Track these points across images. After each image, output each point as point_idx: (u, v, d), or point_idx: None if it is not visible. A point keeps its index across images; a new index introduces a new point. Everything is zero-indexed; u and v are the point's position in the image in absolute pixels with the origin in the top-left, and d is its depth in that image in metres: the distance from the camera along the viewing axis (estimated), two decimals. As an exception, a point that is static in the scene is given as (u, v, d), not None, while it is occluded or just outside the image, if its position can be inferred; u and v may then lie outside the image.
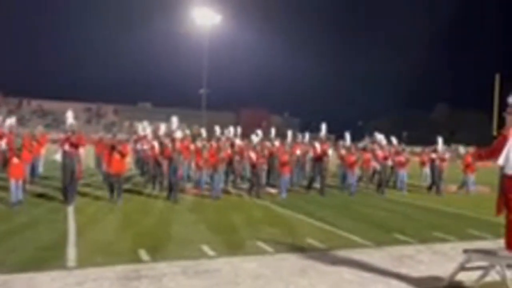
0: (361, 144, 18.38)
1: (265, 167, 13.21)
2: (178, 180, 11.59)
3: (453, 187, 15.98)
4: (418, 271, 6.00)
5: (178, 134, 12.10)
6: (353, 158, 14.36)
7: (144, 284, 5.15)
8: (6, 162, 11.34)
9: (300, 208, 11.00)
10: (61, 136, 11.32)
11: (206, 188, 13.27)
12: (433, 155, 15.51)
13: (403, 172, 15.31)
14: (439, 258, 6.70)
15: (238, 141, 15.93)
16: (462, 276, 5.38)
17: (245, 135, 18.74)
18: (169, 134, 12.88)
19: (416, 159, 19.18)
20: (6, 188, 10.51)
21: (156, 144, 13.31)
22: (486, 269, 5.29)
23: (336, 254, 6.72)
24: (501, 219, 5.22)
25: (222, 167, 12.60)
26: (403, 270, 5.99)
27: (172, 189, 11.32)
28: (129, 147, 12.60)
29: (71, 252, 6.37)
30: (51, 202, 10.56)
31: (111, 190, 10.70)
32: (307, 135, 19.02)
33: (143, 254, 6.38)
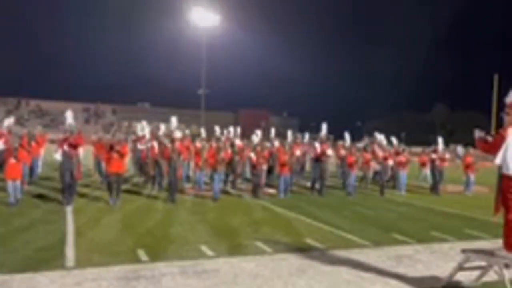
0: (361, 144, 18.37)
1: (265, 167, 13.20)
2: (177, 180, 11.59)
3: (451, 187, 15.99)
4: (417, 271, 6.01)
5: (178, 134, 12.09)
6: (353, 159, 14.35)
7: (142, 284, 5.16)
8: (3, 163, 11.32)
9: (299, 208, 11.01)
10: (60, 136, 11.30)
11: (205, 189, 13.27)
12: (433, 156, 15.49)
13: (403, 173, 15.30)
14: (437, 258, 6.72)
15: (238, 141, 15.93)
16: (460, 276, 5.40)
17: (244, 136, 18.76)
18: (169, 134, 12.86)
19: (416, 159, 19.14)
20: (4, 189, 10.49)
21: (155, 144, 13.31)
22: (484, 269, 5.31)
23: (334, 254, 6.73)
24: (500, 219, 5.24)
25: (222, 168, 12.59)
26: (402, 270, 6.00)
27: (171, 190, 11.32)
28: (128, 147, 12.56)
29: (70, 253, 6.37)
30: (50, 203, 10.54)
31: (110, 191, 10.69)
32: (307, 135, 19.04)
33: (142, 254, 6.39)
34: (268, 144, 15.03)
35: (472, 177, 15.52)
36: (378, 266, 6.13)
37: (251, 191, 12.96)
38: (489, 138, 5.36)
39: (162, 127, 14.91)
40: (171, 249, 6.77)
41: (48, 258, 6.04)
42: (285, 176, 13.14)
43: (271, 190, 13.80)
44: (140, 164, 15.53)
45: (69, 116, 10.73)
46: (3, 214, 9.06)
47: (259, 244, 7.18)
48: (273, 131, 17.23)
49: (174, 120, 13.46)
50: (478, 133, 5.47)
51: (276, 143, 15.50)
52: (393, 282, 5.50)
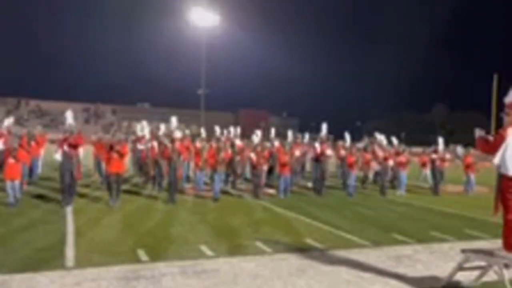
0: (361, 145, 18.35)
1: (265, 167, 13.19)
2: (177, 180, 11.58)
3: (451, 187, 15.99)
4: (416, 271, 6.02)
5: (178, 135, 12.08)
6: (353, 159, 14.33)
7: (142, 284, 5.16)
8: (3, 163, 11.33)
9: (299, 208, 11.01)
10: (60, 136, 11.30)
11: (205, 189, 13.27)
12: (434, 156, 15.46)
13: (403, 173, 15.29)
14: (437, 258, 6.72)
15: (238, 142, 15.93)
16: (460, 276, 5.41)
17: (244, 136, 18.75)
18: (169, 134, 12.86)
19: (416, 159, 19.09)
20: (4, 189, 10.49)
21: (155, 144, 13.30)
22: (484, 269, 5.31)
23: (334, 254, 6.73)
24: (499, 219, 5.24)
25: (222, 168, 12.58)
26: (401, 270, 6.00)
27: (171, 190, 11.31)
28: (128, 147, 12.55)
29: (70, 253, 6.37)
30: (50, 203, 10.55)
31: (110, 191, 10.67)
32: (307, 136, 19.03)
33: (141, 254, 6.39)
34: (268, 144, 15.03)
35: (473, 177, 15.48)
36: (377, 266, 6.14)
37: (252, 191, 12.96)
38: (490, 138, 5.37)
39: (162, 127, 14.91)
40: (171, 249, 6.77)
41: (48, 258, 6.04)
42: (285, 176, 13.14)
43: (271, 190, 13.80)
44: (140, 164, 15.54)
45: (69, 116, 10.71)
46: (3, 214, 9.06)
47: (259, 244, 7.19)
48: (273, 131, 17.23)
49: (174, 120, 13.46)
50: (478, 132, 5.47)
51: (276, 143, 15.50)
52: (393, 282, 5.51)
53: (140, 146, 15.16)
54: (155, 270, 5.65)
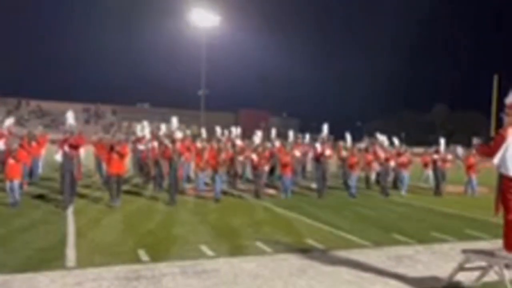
0: (362, 145, 18.31)
1: (266, 168, 13.19)
2: (178, 181, 11.58)
3: (451, 188, 15.96)
4: (417, 271, 6.02)
5: (178, 135, 12.08)
6: (354, 160, 14.30)
7: (143, 284, 5.17)
8: (4, 163, 11.33)
9: (300, 208, 11.01)
10: (60, 137, 11.30)
11: (205, 189, 13.27)
12: (435, 156, 15.40)
13: (405, 173, 15.23)
14: (437, 258, 6.72)
15: (238, 142, 15.92)
16: (461, 276, 5.41)
17: (245, 136, 18.75)
18: (169, 134, 12.86)
19: (417, 160, 19.02)
20: (5, 189, 10.50)
21: (155, 144, 13.31)
22: (484, 270, 5.31)
23: (335, 254, 6.74)
24: (500, 219, 5.25)
25: (223, 169, 12.57)
26: (402, 270, 6.01)
27: (172, 190, 11.30)
28: (128, 148, 12.56)
29: (71, 253, 6.38)
30: (51, 204, 10.55)
31: (111, 192, 10.64)
32: (307, 136, 19.03)
33: (142, 254, 6.40)
34: (269, 145, 15.03)
35: (474, 178, 15.33)
36: (378, 267, 6.14)
37: (253, 191, 12.95)
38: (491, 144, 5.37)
39: (163, 128, 14.91)
40: (171, 249, 6.78)
41: (49, 258, 6.05)
42: (286, 176, 13.14)
43: (272, 191, 13.80)
44: (140, 164, 15.55)
45: (70, 117, 10.69)
46: (4, 214, 9.07)
47: (260, 244, 7.19)
48: (273, 131, 17.21)
49: (174, 120, 13.46)
50: (475, 141, 5.51)
51: (277, 144, 15.50)
52: (393, 283, 5.51)
53: (141, 147, 15.17)
54: (155, 270, 5.66)
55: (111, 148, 10.77)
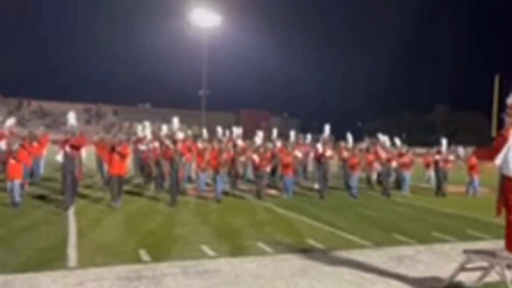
0: (363, 145, 18.28)
1: (268, 169, 13.17)
2: (179, 181, 11.58)
3: (453, 188, 15.93)
4: (418, 271, 6.02)
5: (180, 135, 12.08)
6: (356, 160, 14.27)
7: (144, 284, 5.17)
8: (5, 163, 11.34)
9: (301, 209, 11.01)
10: (61, 137, 11.30)
11: (207, 190, 13.27)
12: (437, 157, 15.35)
13: (407, 174, 15.17)
14: (438, 259, 6.72)
15: (240, 142, 15.91)
16: (462, 277, 5.40)
17: (246, 136, 18.75)
18: (171, 135, 12.86)
19: (420, 160, 18.95)
20: (6, 189, 10.51)
21: (157, 145, 13.31)
22: (486, 270, 5.31)
23: (336, 254, 6.74)
24: (501, 220, 5.24)
25: (224, 169, 12.56)
26: (403, 271, 6.00)
27: (173, 191, 11.29)
28: (129, 148, 12.55)
29: (72, 253, 6.39)
30: (52, 204, 10.56)
31: (112, 192, 10.62)
32: (309, 136, 19.02)
33: (143, 254, 6.40)
34: (270, 145, 15.02)
35: (476, 179, 15.23)
36: (379, 267, 6.14)
37: (254, 192, 12.94)
38: (483, 151, 5.38)
39: (164, 128, 14.92)
40: (173, 249, 6.79)
41: (50, 258, 6.06)
42: (288, 177, 13.13)
43: (273, 191, 13.80)
44: (141, 165, 15.56)
45: (71, 117, 10.70)
46: (5, 215, 9.08)
47: (261, 244, 7.19)
48: (275, 132, 17.19)
49: (176, 121, 13.46)
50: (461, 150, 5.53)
51: (278, 144, 15.48)
52: (394, 283, 5.51)
53: (142, 147, 15.18)
54: (156, 270, 5.66)
55: (112, 149, 10.76)
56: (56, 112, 71.69)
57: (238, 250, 6.83)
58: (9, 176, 9.98)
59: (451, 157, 15.77)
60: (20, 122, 36.75)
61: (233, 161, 13.94)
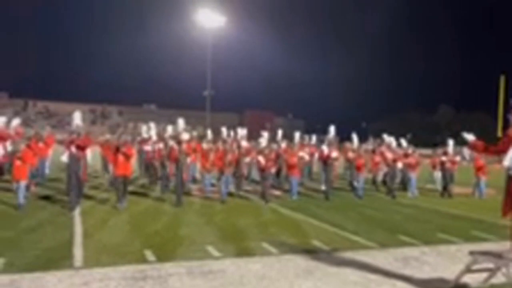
0: (370, 146, 18.21)
1: (273, 170, 13.16)
2: (183, 182, 11.59)
3: (458, 189, 15.85)
4: (423, 272, 6.00)
5: (185, 136, 12.10)
6: (362, 161, 14.22)
7: (149, 284, 5.19)
8: (12, 164, 11.40)
9: (306, 210, 11.00)
10: (66, 137, 11.31)
11: (211, 190, 13.28)
12: (444, 158, 15.26)
13: (412, 175, 15.06)
14: (444, 260, 6.70)
15: (244, 143, 15.90)
16: (468, 278, 5.38)
17: (250, 137, 18.74)
18: (176, 136, 12.89)
19: (425, 161, 18.82)
20: (11, 190, 10.58)
21: (161, 145, 13.34)
22: (492, 271, 5.29)
23: (341, 255, 6.73)
24: (507, 221, 5.22)
25: (229, 170, 12.57)
26: (408, 272, 5.99)
27: (178, 191, 11.31)
28: (134, 149, 12.57)
29: (78, 253, 6.42)
30: (57, 204, 10.60)
31: (117, 193, 10.62)
32: (314, 137, 18.99)
33: (149, 254, 6.42)
34: (274, 146, 15.02)
35: (483, 180, 15.06)
36: (384, 268, 6.13)
37: (259, 193, 12.93)
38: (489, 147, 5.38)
39: (169, 129, 14.95)
40: (178, 249, 6.80)
41: (57, 258, 6.09)
42: (293, 178, 13.11)
43: (278, 192, 13.78)
44: (146, 165, 15.60)
45: (76, 117, 10.67)
46: (11, 215, 9.13)
47: (266, 245, 7.20)
48: (280, 132, 17.17)
49: (181, 121, 13.48)
50: (469, 137, 5.50)
51: (283, 145, 15.47)
52: (400, 284, 5.50)
53: (147, 147, 15.22)
54: (162, 271, 5.68)
55: (117, 149, 10.77)
56: (62, 112, 72.06)
57: (243, 251, 6.84)
58: (14, 177, 9.99)
59: (458, 158, 15.66)
60: (26, 123, 36.94)
61: (237, 162, 13.95)
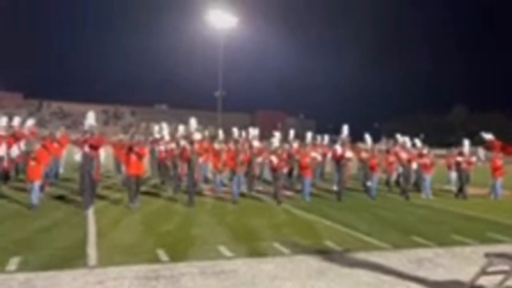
0: (383, 146, 18.03)
1: (285, 170, 13.12)
2: (196, 182, 11.62)
3: (473, 190, 15.62)
4: (438, 274, 5.93)
5: (197, 136, 12.13)
6: (376, 161, 14.09)
7: (162, 283, 5.22)
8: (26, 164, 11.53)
9: (319, 210, 10.95)
10: (79, 137, 11.40)
11: (223, 191, 13.30)
12: (459, 158, 15.03)
13: (428, 175, 14.81)
14: (458, 262, 6.61)
15: (256, 143, 15.88)
16: (483, 280, 5.31)
17: (262, 137, 18.72)
18: (188, 136, 12.93)
19: (440, 161, 18.54)
20: (26, 190, 10.70)
21: (174, 145, 13.40)
22: (508, 273, 5.20)
23: (354, 256, 6.69)
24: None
25: (242, 170, 12.56)
26: (422, 274, 5.93)
27: (190, 191, 11.35)
28: (146, 149, 12.65)
29: (92, 252, 6.48)
30: (71, 204, 10.70)
31: (130, 193, 10.69)
32: (326, 137, 18.89)
33: (162, 254, 6.46)
34: (286, 146, 14.97)
35: (500, 181, 14.75)
36: (398, 269, 6.07)
37: (272, 193, 12.91)
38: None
39: (181, 129, 15.00)
40: (190, 249, 6.82)
41: (71, 257, 6.16)
42: (307, 178, 13.06)
43: (290, 193, 13.74)
44: (159, 165, 15.69)
45: (90, 117, 10.72)
46: (26, 215, 9.24)
47: (278, 245, 7.18)
48: (292, 133, 17.12)
49: (193, 121, 13.53)
50: (487, 136, 5.42)
51: (295, 145, 15.41)
52: (414, 286, 5.44)
53: (160, 147, 15.30)
54: (174, 270, 5.71)
55: (130, 149, 10.84)
56: (76, 113, 72.90)
57: (255, 251, 6.83)
58: (29, 178, 10.08)
59: (474, 159, 15.41)
60: (40, 123, 37.42)
61: (249, 162, 13.95)
